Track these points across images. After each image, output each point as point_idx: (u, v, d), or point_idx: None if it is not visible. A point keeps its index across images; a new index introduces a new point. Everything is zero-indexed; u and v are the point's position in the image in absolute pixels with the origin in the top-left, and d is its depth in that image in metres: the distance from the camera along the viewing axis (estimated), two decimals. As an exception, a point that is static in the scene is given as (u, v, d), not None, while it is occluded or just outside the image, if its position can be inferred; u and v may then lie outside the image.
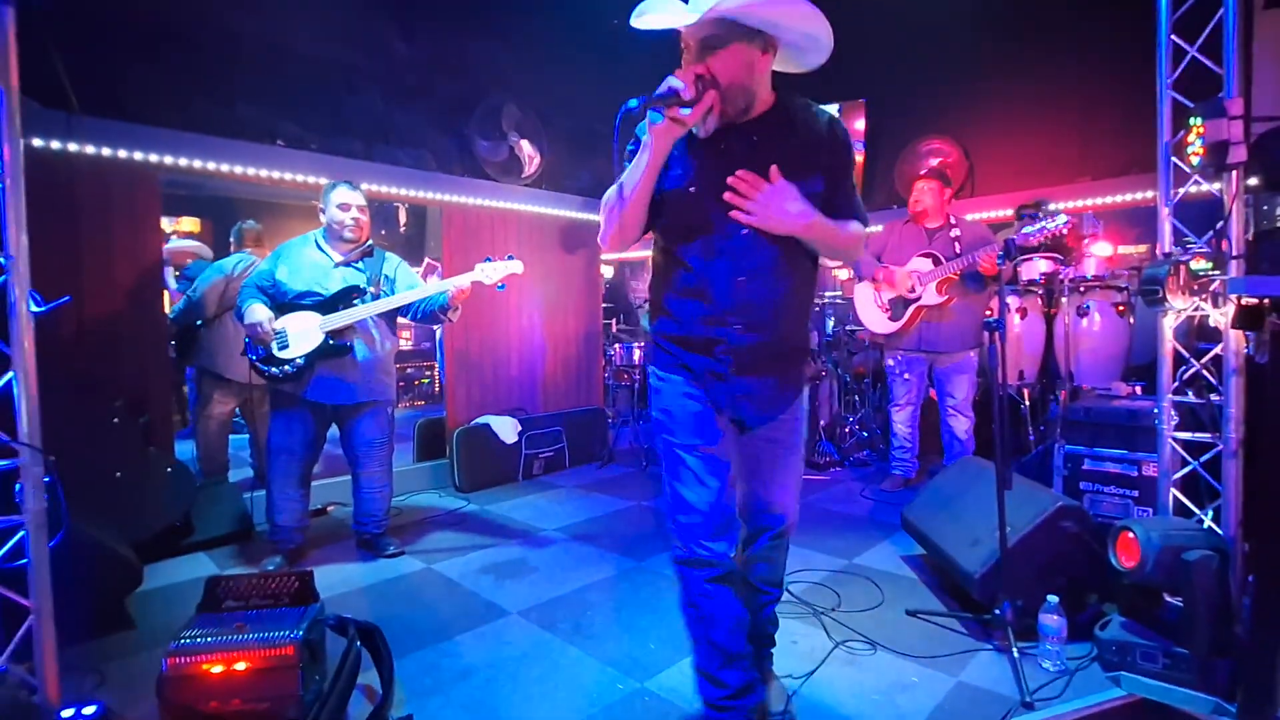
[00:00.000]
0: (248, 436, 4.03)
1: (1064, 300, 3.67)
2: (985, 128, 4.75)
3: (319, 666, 1.80)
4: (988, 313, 3.65)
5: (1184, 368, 2.19)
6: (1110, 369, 3.59)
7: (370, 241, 2.93)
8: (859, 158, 5.27)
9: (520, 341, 4.62)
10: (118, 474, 2.74)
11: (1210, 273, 2.06)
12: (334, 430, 2.95)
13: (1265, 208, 3.25)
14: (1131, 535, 1.92)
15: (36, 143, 2.87)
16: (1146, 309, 2.19)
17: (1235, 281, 1.92)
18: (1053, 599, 1.98)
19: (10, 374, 1.58)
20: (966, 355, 3.62)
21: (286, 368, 2.71)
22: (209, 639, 1.65)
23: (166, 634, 1.70)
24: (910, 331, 3.63)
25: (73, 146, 2.97)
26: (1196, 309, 2.11)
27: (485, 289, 2.81)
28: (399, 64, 4.19)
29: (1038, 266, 3.88)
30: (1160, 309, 2.11)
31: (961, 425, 3.63)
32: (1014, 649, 1.94)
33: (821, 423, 4.65)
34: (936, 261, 3.50)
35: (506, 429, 4.22)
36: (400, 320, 3.01)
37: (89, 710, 1.65)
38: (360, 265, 2.86)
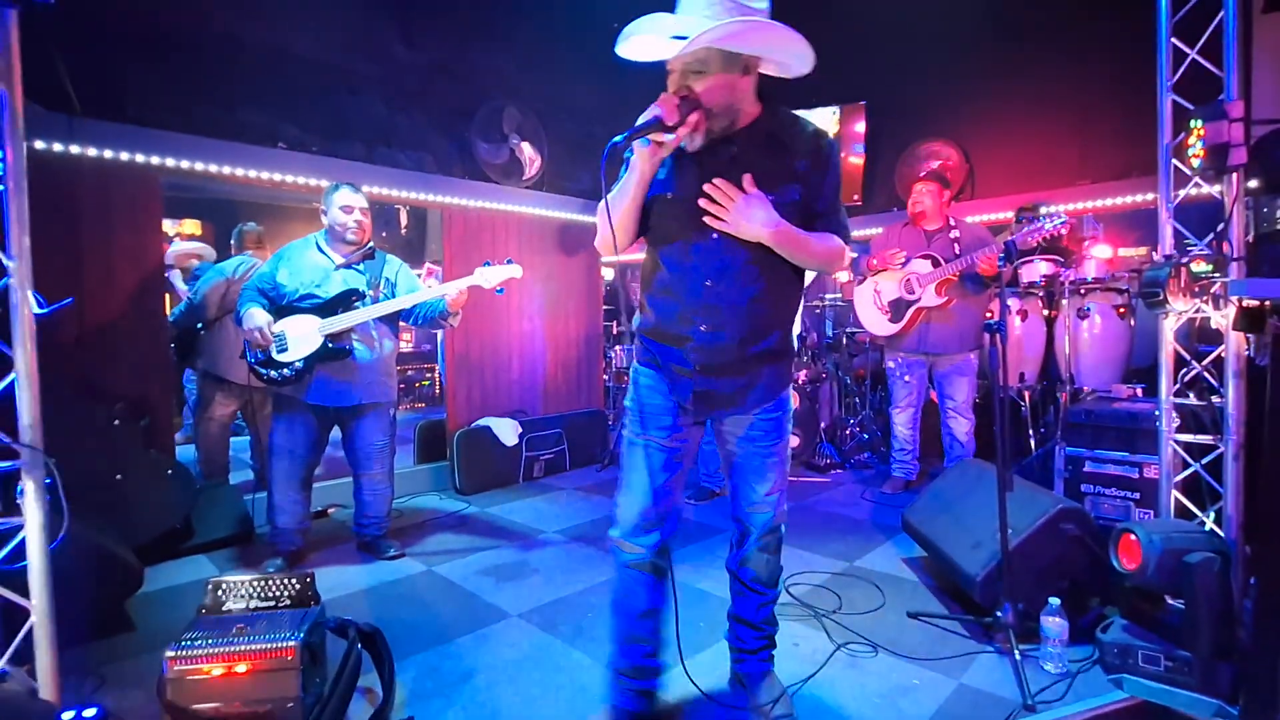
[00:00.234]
0: (248, 439, 4.03)
1: (1064, 302, 3.67)
2: (985, 130, 4.75)
3: (320, 669, 1.80)
4: (988, 315, 3.67)
5: (1185, 370, 2.19)
6: (1111, 371, 3.59)
7: (371, 244, 2.93)
8: (859, 160, 5.28)
9: (521, 344, 4.62)
10: (118, 476, 2.74)
11: (1211, 275, 2.06)
12: (335, 432, 2.95)
13: (1265, 210, 3.26)
14: (1133, 537, 1.91)
15: (39, 145, 2.88)
16: (1147, 311, 2.19)
17: (1236, 284, 1.92)
18: (1054, 601, 1.98)
19: (12, 375, 1.58)
20: (966, 357, 3.62)
21: (285, 371, 2.71)
22: (210, 641, 1.65)
23: (167, 636, 1.70)
24: (910, 333, 3.63)
25: (75, 149, 2.98)
26: (1197, 311, 2.12)
27: (485, 292, 2.82)
28: (400, 67, 4.20)
29: (1038, 269, 3.89)
30: (1161, 311, 2.11)
31: (962, 427, 3.63)
32: (1016, 651, 1.94)
33: (822, 425, 4.65)
34: (935, 263, 3.51)
35: (507, 431, 4.22)
36: (401, 323, 3.01)
37: (89, 713, 1.63)
38: (361, 268, 2.86)
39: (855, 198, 5.35)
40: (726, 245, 1.55)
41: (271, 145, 3.60)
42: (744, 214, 1.50)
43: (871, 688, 1.92)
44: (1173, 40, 2.16)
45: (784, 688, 1.82)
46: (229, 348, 3.56)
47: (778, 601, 1.85)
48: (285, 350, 2.71)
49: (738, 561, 1.81)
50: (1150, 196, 3.94)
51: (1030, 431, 3.85)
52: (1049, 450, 3.01)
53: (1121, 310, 3.63)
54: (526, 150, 4.56)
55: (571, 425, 4.64)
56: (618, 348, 5.21)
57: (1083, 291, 3.67)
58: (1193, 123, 1.96)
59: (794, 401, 4.39)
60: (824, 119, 5.41)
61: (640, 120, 1.43)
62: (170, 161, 3.23)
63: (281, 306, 2.74)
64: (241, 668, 1.62)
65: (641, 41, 1.47)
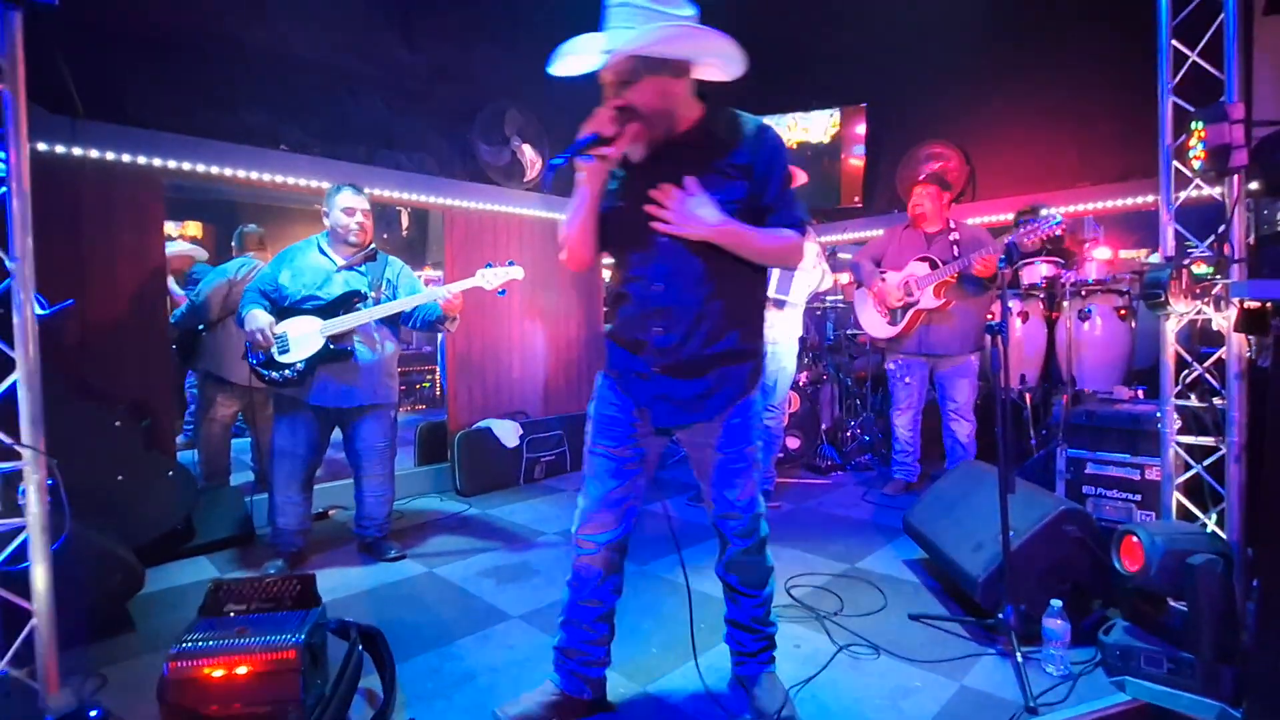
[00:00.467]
0: (249, 440, 4.03)
1: (1065, 304, 3.67)
2: (986, 132, 4.76)
3: (321, 670, 1.80)
4: (989, 317, 3.67)
5: (1186, 372, 2.19)
6: (1112, 373, 3.59)
7: (373, 245, 2.94)
8: (859, 162, 5.28)
9: (522, 345, 4.63)
10: (119, 477, 2.74)
11: (1212, 277, 2.06)
12: (336, 434, 2.96)
13: (1266, 212, 3.25)
14: (1135, 539, 1.91)
15: (41, 147, 2.88)
16: (1148, 313, 2.19)
17: (1238, 285, 1.92)
18: (1056, 603, 1.98)
19: (14, 377, 1.58)
20: (967, 359, 3.62)
21: (287, 372, 2.72)
22: (210, 642, 1.65)
23: (167, 637, 1.70)
24: (910, 335, 3.64)
25: (77, 151, 2.99)
26: (1198, 313, 2.12)
27: (486, 294, 2.82)
28: (401, 69, 4.21)
29: (1039, 270, 3.89)
30: (1162, 313, 2.11)
31: (963, 429, 3.63)
32: (1017, 653, 1.93)
33: (823, 426, 4.64)
34: (933, 265, 3.51)
35: (508, 433, 4.22)
36: (401, 325, 3.02)
37: (90, 715, 1.65)
38: (363, 269, 2.87)
39: (856, 200, 5.35)
40: (675, 248, 1.57)
41: (273, 147, 3.61)
42: (686, 215, 1.53)
43: (873, 689, 1.92)
44: (1173, 42, 2.16)
45: (785, 689, 1.82)
46: (231, 349, 3.56)
47: (778, 603, 1.86)
48: (287, 351, 2.71)
49: (723, 568, 1.84)
50: (1150, 199, 3.94)
51: (1031, 433, 3.84)
52: (1050, 452, 3.01)
53: (1122, 312, 3.63)
54: (528, 152, 4.57)
55: (572, 426, 4.64)
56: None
57: (1084, 293, 3.68)
58: (1194, 124, 1.96)
59: (794, 404, 4.41)
60: (821, 122, 5.42)
61: (578, 141, 1.48)
62: (172, 163, 3.24)
63: (283, 308, 2.75)
64: (242, 669, 1.62)
65: (574, 60, 1.53)
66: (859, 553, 2.97)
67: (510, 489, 4.19)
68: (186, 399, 4.89)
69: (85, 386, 2.92)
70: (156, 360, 3.27)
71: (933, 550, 2.59)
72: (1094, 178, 4.24)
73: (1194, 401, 2.19)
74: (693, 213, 1.52)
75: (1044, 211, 3.13)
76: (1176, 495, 2.20)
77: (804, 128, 5.48)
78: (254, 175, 3.50)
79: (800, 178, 3.69)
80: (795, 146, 5.45)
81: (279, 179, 3.58)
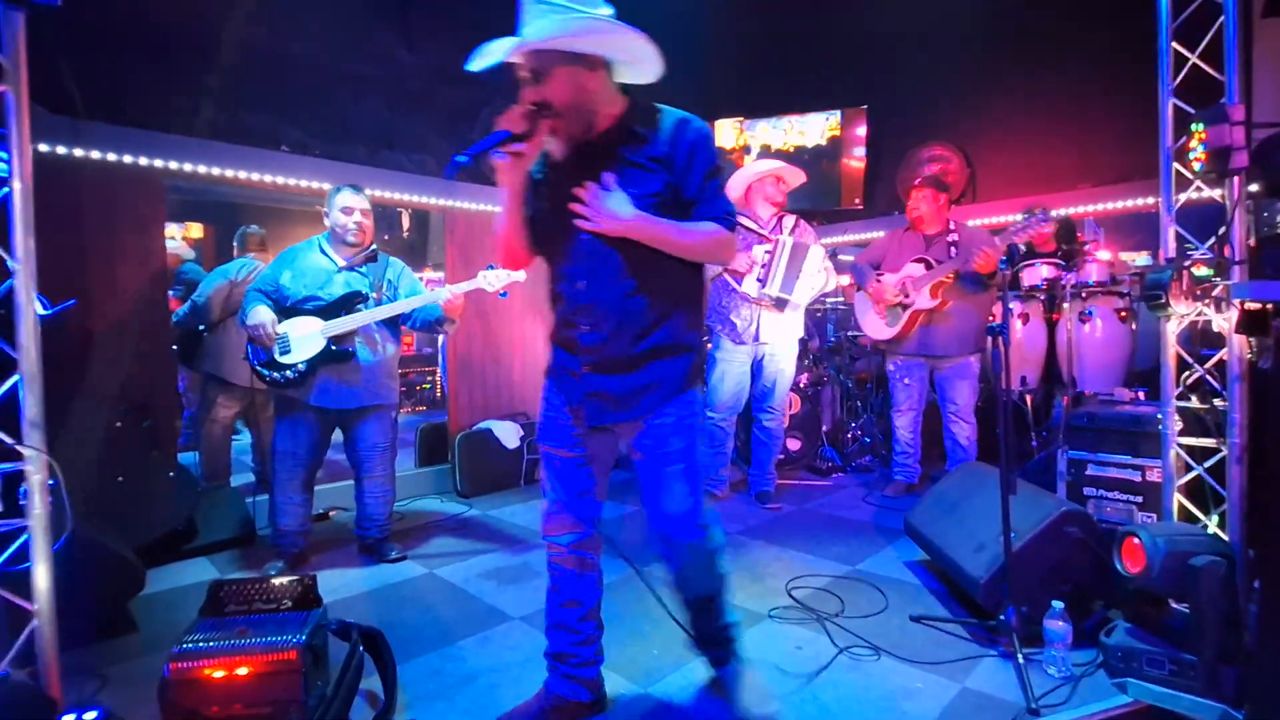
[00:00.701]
0: (250, 441, 4.03)
1: (1066, 306, 3.67)
2: (986, 134, 4.76)
3: (322, 671, 1.80)
4: (990, 318, 3.67)
5: (1187, 373, 2.19)
6: (1113, 374, 3.59)
7: (374, 246, 2.94)
8: (860, 164, 5.28)
9: (522, 346, 4.62)
10: (120, 478, 2.74)
11: (1213, 278, 2.06)
12: (337, 435, 2.95)
13: (1266, 214, 3.26)
14: (1137, 541, 1.91)
15: (43, 148, 2.88)
16: (1149, 314, 2.19)
17: (1239, 287, 1.92)
18: (1058, 605, 1.98)
19: (16, 377, 1.58)
20: (966, 360, 3.61)
21: (288, 373, 2.72)
22: (212, 643, 1.65)
23: (168, 638, 1.70)
24: (909, 336, 3.64)
25: (79, 152, 2.99)
26: (1199, 315, 2.12)
27: (487, 296, 2.82)
28: (402, 70, 4.21)
29: (1040, 272, 3.89)
30: (1163, 314, 2.11)
31: (964, 431, 3.63)
32: (1019, 655, 1.93)
33: (824, 428, 4.65)
34: (929, 266, 3.53)
35: (509, 434, 4.22)
36: (402, 326, 3.02)
37: (90, 715, 1.64)
38: (364, 270, 2.87)
39: (857, 201, 5.36)
40: (596, 245, 1.57)
41: (274, 148, 3.61)
42: (602, 210, 1.52)
43: (874, 691, 1.92)
44: (1173, 45, 2.16)
45: (766, 687, 1.82)
46: (232, 350, 3.56)
47: (779, 604, 1.85)
48: (288, 352, 2.71)
49: (674, 581, 1.81)
50: (1151, 200, 3.95)
51: (1032, 435, 3.84)
52: (1051, 453, 3.01)
53: (1123, 314, 3.63)
54: (528, 153, 4.56)
55: (573, 428, 4.63)
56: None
57: (1084, 295, 3.68)
58: (1194, 126, 1.96)
59: (795, 405, 4.41)
60: (817, 125, 5.42)
61: (485, 140, 1.48)
62: (174, 164, 3.25)
63: (285, 308, 2.75)
64: (243, 670, 1.62)
65: (491, 57, 1.52)
66: (860, 554, 2.97)
67: (511, 490, 4.18)
68: (181, 401, 4.89)
69: (86, 387, 2.92)
70: (158, 361, 3.27)
71: (934, 551, 2.59)
72: (1094, 179, 4.25)
73: (1195, 403, 2.19)
74: (607, 208, 1.52)
75: (1035, 212, 3.15)
76: (1178, 497, 2.20)
77: (800, 131, 5.49)
78: (255, 176, 3.50)
79: (799, 178, 3.71)
80: (792, 150, 5.46)
81: (280, 180, 3.58)
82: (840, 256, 5.26)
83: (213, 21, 3.44)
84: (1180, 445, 2.19)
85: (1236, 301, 1.91)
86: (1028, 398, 3.88)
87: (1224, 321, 2.03)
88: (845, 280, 4.71)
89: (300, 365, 2.71)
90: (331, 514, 3.63)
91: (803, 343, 3.86)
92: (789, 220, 3.67)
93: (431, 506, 3.86)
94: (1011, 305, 3.81)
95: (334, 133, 3.88)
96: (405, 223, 7.74)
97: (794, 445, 4.48)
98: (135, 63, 3.22)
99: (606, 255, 1.57)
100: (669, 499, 1.65)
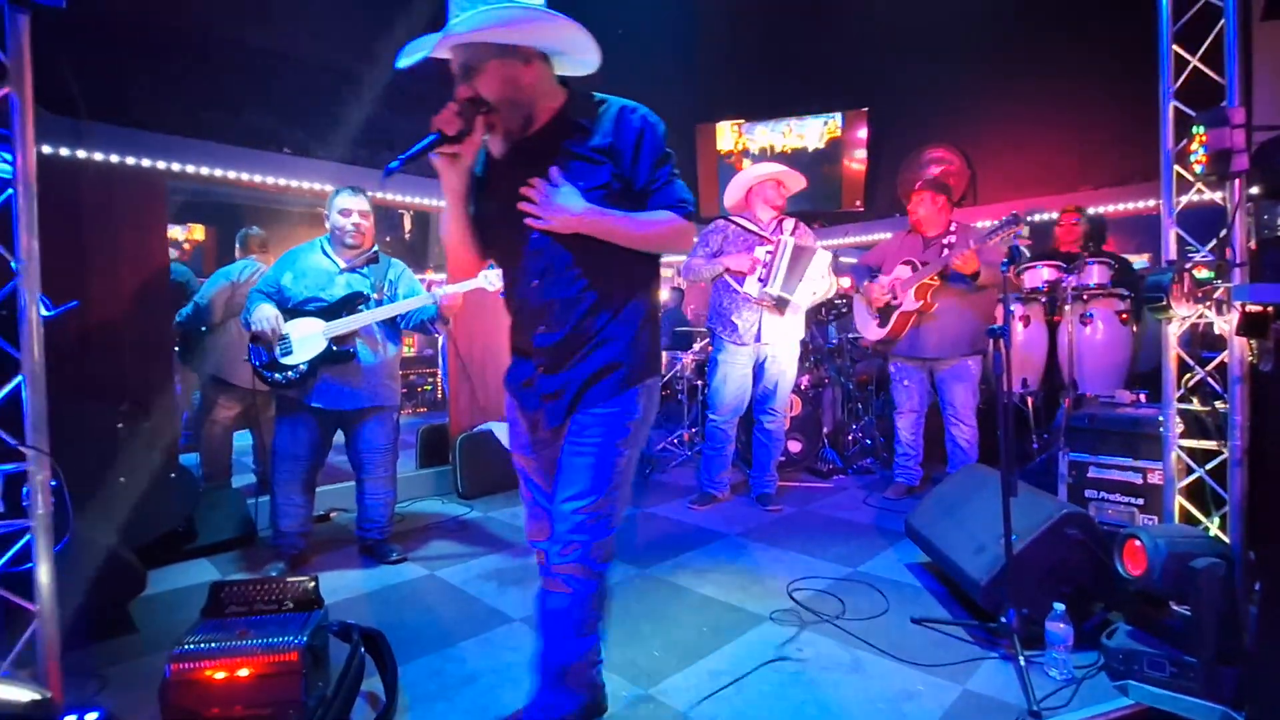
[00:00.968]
0: (251, 442, 4.03)
1: (1067, 308, 3.68)
2: (988, 136, 4.78)
3: (322, 672, 1.80)
4: (994, 320, 3.67)
5: (1188, 375, 2.19)
6: (1114, 377, 3.59)
7: (375, 248, 2.94)
8: (861, 166, 5.29)
9: (523, 348, 4.62)
10: (121, 479, 2.74)
11: (1214, 280, 2.07)
12: (338, 436, 2.96)
13: (1267, 216, 3.26)
14: (1138, 543, 1.91)
15: (45, 149, 2.89)
16: (1150, 316, 2.19)
17: (1239, 289, 1.92)
18: (1059, 607, 1.98)
19: (19, 378, 1.58)
20: (963, 362, 3.61)
21: (290, 374, 2.72)
22: (213, 644, 1.65)
23: (168, 639, 1.70)
24: (902, 338, 3.66)
25: (81, 153, 3.00)
26: (1200, 317, 2.12)
27: (488, 296, 2.82)
28: (403, 72, 4.21)
29: (1041, 274, 3.90)
30: (1164, 317, 2.11)
31: (963, 433, 3.63)
32: (1020, 657, 1.93)
33: (825, 430, 4.65)
34: (915, 268, 3.54)
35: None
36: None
37: (91, 716, 1.64)
38: (365, 271, 2.87)
39: (857, 203, 5.37)
40: (547, 242, 1.51)
41: (276, 149, 3.62)
42: (550, 206, 1.47)
43: (875, 693, 1.92)
44: (1174, 47, 2.16)
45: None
46: (233, 351, 3.56)
47: (780, 607, 1.82)
48: (290, 353, 2.71)
49: (538, 630, 1.60)
50: (1152, 203, 3.95)
51: (1033, 437, 3.84)
52: (1052, 455, 3.01)
53: (1124, 316, 3.63)
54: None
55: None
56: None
57: (1085, 297, 3.68)
58: (1194, 129, 1.97)
59: (796, 407, 4.41)
60: (815, 129, 5.43)
61: (418, 144, 1.42)
62: (175, 166, 3.26)
63: (286, 310, 2.75)
64: (244, 671, 1.62)
65: (419, 53, 1.46)
66: (861, 556, 2.97)
67: (512, 492, 4.18)
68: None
69: (88, 388, 2.92)
70: (159, 362, 3.27)
71: (935, 553, 2.59)
72: (1095, 181, 4.26)
73: (1196, 405, 2.19)
74: (557, 203, 1.46)
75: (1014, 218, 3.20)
76: (1179, 499, 2.20)
77: (799, 134, 5.51)
78: (256, 178, 3.51)
79: (799, 183, 3.72)
80: (790, 152, 5.47)
81: (281, 182, 3.59)
82: (841, 259, 5.27)
83: (214, 23, 3.45)
84: (1181, 447, 2.19)
85: (1237, 304, 1.92)
86: (1029, 400, 3.88)
87: (1225, 324, 2.03)
88: (846, 282, 4.72)
89: (301, 366, 2.72)
90: (332, 515, 3.63)
91: (804, 344, 3.87)
92: (789, 223, 3.68)
93: (432, 508, 3.86)
94: (1013, 307, 3.81)
95: (336, 134, 3.88)
96: (407, 224, 7.75)
97: (795, 447, 4.48)
98: (137, 64, 3.23)
99: (559, 252, 1.51)
100: (567, 488, 1.52)
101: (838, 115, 5.36)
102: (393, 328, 2.95)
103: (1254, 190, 2.38)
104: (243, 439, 4.11)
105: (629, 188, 1.51)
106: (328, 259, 2.85)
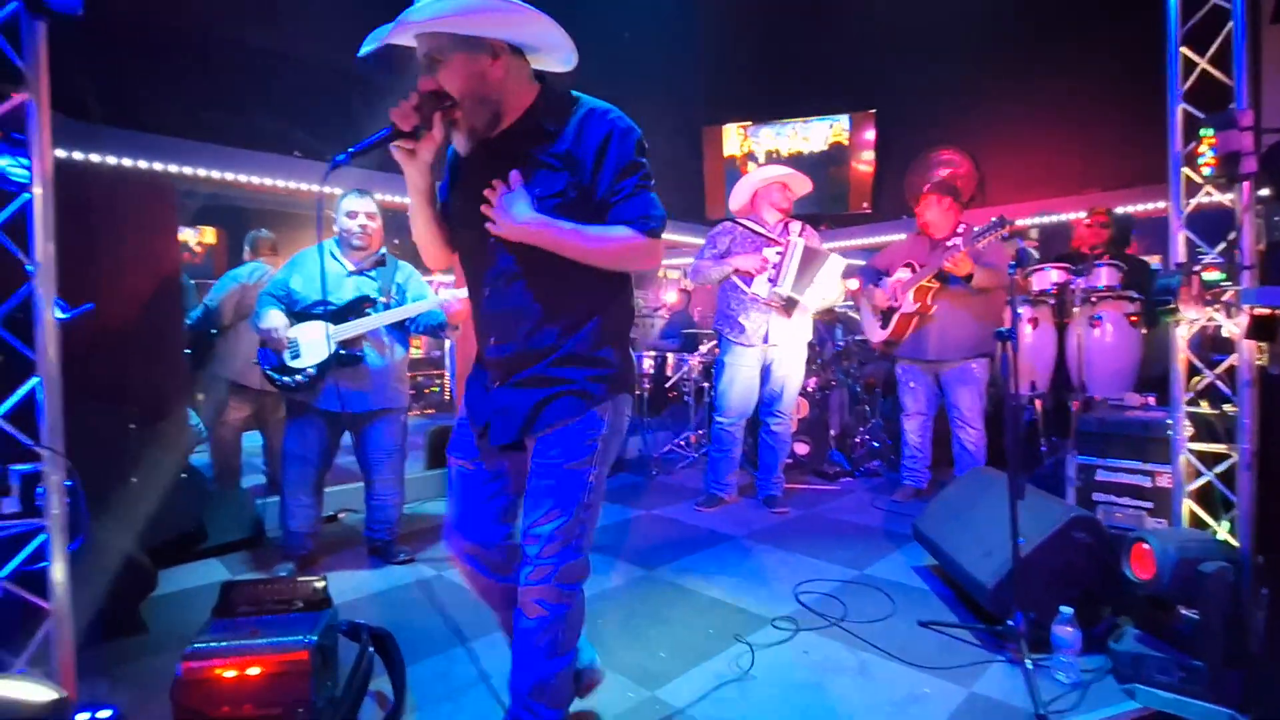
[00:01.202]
0: (261, 443, 4.06)
1: (1076, 310, 3.66)
2: (995, 138, 4.77)
3: (331, 672, 1.81)
4: (1003, 323, 3.66)
5: (1197, 378, 2.19)
6: (1123, 380, 3.57)
7: (384, 250, 2.96)
8: (868, 168, 5.29)
9: (530, 350, 4.64)
10: (133, 480, 2.76)
11: (1223, 283, 2.06)
12: (346, 438, 2.98)
13: (1276, 219, 3.24)
14: (1147, 547, 1.90)
15: (58, 153, 2.93)
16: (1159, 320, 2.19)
17: (1247, 292, 1.91)
18: (1067, 610, 1.97)
19: (35, 380, 1.61)
20: (966, 365, 3.60)
21: (299, 377, 2.74)
22: (223, 643, 1.66)
23: (178, 639, 1.72)
24: (905, 340, 3.67)
25: (94, 157, 3.03)
26: (1209, 320, 2.11)
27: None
28: (413, 74, 4.24)
29: (1049, 276, 3.88)
30: (1173, 320, 2.10)
31: (970, 436, 3.62)
32: (1027, 660, 1.93)
33: (832, 433, 4.64)
34: (915, 270, 3.55)
35: (516, 437, 4.23)
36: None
37: (104, 714, 1.65)
38: (373, 274, 2.89)
39: (865, 205, 5.36)
40: (500, 249, 1.43)
41: (285, 153, 3.65)
42: (502, 213, 1.38)
43: (881, 696, 1.92)
44: (1182, 49, 2.16)
45: None
46: (243, 353, 3.59)
47: (786, 611, 1.83)
48: (298, 356, 2.73)
49: (518, 600, 1.52)
50: (1161, 205, 3.93)
51: (1041, 440, 3.83)
52: (1060, 459, 3.00)
53: (1133, 318, 3.61)
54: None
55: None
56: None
57: (1094, 299, 3.66)
58: (1203, 131, 1.96)
59: (802, 409, 4.41)
60: (820, 132, 5.44)
61: (369, 138, 1.37)
62: (186, 169, 3.30)
63: (295, 313, 2.78)
64: (254, 670, 1.63)
65: (375, 43, 1.40)
66: (868, 559, 2.96)
67: (518, 493, 4.19)
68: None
69: (99, 390, 2.95)
70: (170, 364, 3.30)
71: (942, 557, 2.58)
72: (1103, 183, 4.25)
73: (1205, 409, 2.18)
74: (507, 211, 1.37)
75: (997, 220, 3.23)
76: (1188, 503, 2.19)
77: (804, 137, 5.52)
78: (266, 181, 3.54)
79: (805, 186, 3.72)
80: (791, 156, 5.47)
81: (290, 184, 3.62)
82: (849, 262, 5.28)
83: (224, 29, 3.49)
84: (1190, 451, 2.18)
85: (1245, 307, 1.91)
86: (1037, 403, 3.87)
87: (1234, 327, 2.02)
88: (854, 284, 4.72)
89: (310, 369, 2.74)
90: (341, 516, 3.65)
91: (811, 347, 3.87)
92: (795, 225, 3.68)
93: (440, 509, 3.87)
94: (1020, 310, 3.80)
95: (345, 137, 3.90)
96: (414, 227, 7.77)
97: (802, 450, 4.48)
98: (148, 68, 3.27)
99: (511, 260, 1.43)
100: (534, 511, 1.47)
101: (845, 117, 5.37)
102: (400, 331, 2.97)
103: (1263, 192, 2.37)
104: (252, 440, 4.15)
105: (588, 197, 1.40)
106: (336, 262, 2.87)
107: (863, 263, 4.22)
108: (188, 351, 3.72)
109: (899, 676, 2.02)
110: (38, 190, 1.60)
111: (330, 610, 1.87)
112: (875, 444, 4.71)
